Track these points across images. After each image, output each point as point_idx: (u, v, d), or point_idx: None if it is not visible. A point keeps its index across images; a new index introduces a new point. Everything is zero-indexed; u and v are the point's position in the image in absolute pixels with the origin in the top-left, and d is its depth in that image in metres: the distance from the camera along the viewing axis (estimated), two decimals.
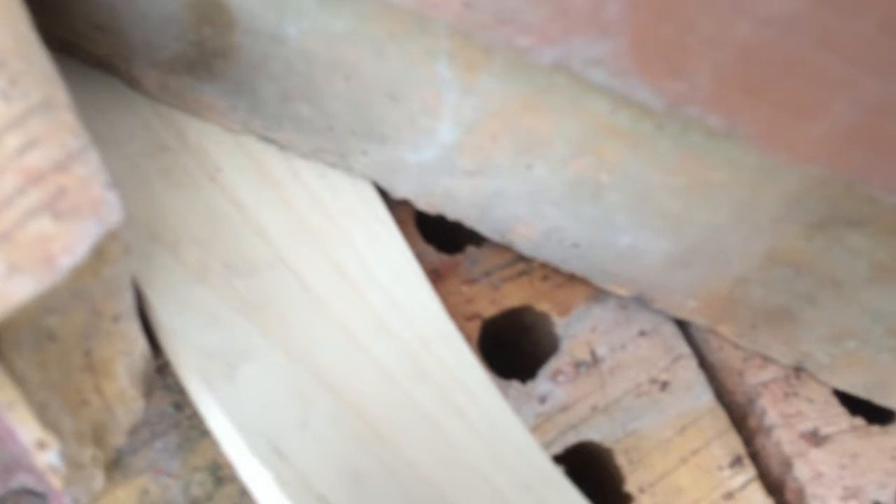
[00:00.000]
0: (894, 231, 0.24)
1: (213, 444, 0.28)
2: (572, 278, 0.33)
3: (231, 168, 0.31)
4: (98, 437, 0.26)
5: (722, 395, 0.34)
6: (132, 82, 0.31)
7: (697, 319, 0.33)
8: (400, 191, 0.31)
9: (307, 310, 0.29)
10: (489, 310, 0.33)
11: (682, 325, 0.34)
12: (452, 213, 0.31)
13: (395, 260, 0.31)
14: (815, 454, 0.32)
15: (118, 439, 0.27)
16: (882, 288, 0.26)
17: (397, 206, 0.33)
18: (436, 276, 0.33)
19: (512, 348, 0.34)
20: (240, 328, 0.28)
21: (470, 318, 0.33)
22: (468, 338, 0.32)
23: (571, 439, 0.31)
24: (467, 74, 0.25)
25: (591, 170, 0.26)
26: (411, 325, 0.30)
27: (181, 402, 0.29)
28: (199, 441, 0.28)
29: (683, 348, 0.33)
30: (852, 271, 0.26)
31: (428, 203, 0.31)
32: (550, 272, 0.34)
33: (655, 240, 0.29)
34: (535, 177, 0.28)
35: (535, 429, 0.31)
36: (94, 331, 0.24)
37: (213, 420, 0.26)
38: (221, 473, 0.28)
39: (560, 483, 0.28)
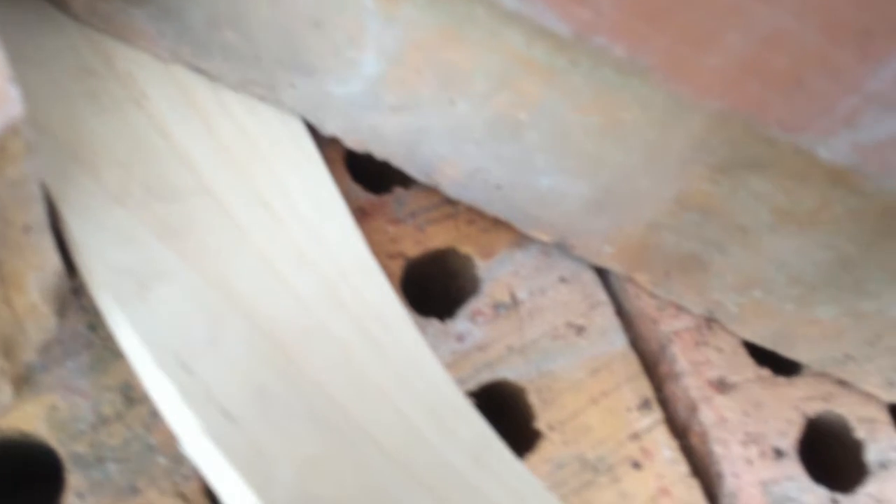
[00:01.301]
0: (793, 175, 0.25)
1: (126, 366, 0.28)
2: (497, 223, 0.34)
3: (158, 96, 0.31)
4: (7, 349, 0.26)
5: (636, 342, 0.35)
6: (61, 4, 0.31)
7: (615, 267, 0.33)
8: (328, 127, 0.32)
9: (227, 238, 0.29)
10: (413, 250, 0.33)
11: (602, 274, 0.35)
12: (380, 151, 0.32)
13: (320, 195, 0.32)
14: (721, 400, 0.33)
15: (28, 355, 0.27)
16: (783, 235, 0.27)
17: (327, 145, 0.33)
18: (362, 215, 0.33)
19: (434, 289, 0.35)
20: (156, 250, 0.28)
21: (393, 256, 0.33)
22: (391, 276, 0.32)
23: (486, 377, 0.32)
24: (389, 3, 0.25)
25: (511, 107, 0.27)
26: (332, 258, 0.30)
27: (95, 323, 0.29)
28: (112, 362, 0.29)
29: (601, 295, 0.34)
30: (756, 217, 0.27)
31: (356, 140, 0.32)
32: (476, 216, 0.34)
33: (573, 182, 0.29)
34: (457, 113, 0.28)
35: (450, 365, 0.32)
36: (3, 240, 0.24)
37: (123, 337, 0.26)
38: (133, 394, 0.28)
39: (466, 411, 0.28)
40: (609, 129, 0.26)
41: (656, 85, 0.23)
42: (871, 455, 0.34)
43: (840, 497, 0.33)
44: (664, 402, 0.34)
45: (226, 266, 0.28)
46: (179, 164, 0.30)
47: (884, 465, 0.34)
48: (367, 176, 0.34)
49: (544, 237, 0.33)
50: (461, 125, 0.28)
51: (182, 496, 0.27)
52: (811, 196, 0.25)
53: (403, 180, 0.34)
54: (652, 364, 0.35)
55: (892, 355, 0.31)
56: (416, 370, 0.29)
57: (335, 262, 0.30)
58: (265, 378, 0.26)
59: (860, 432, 0.34)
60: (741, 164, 0.25)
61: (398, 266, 0.33)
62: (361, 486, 0.23)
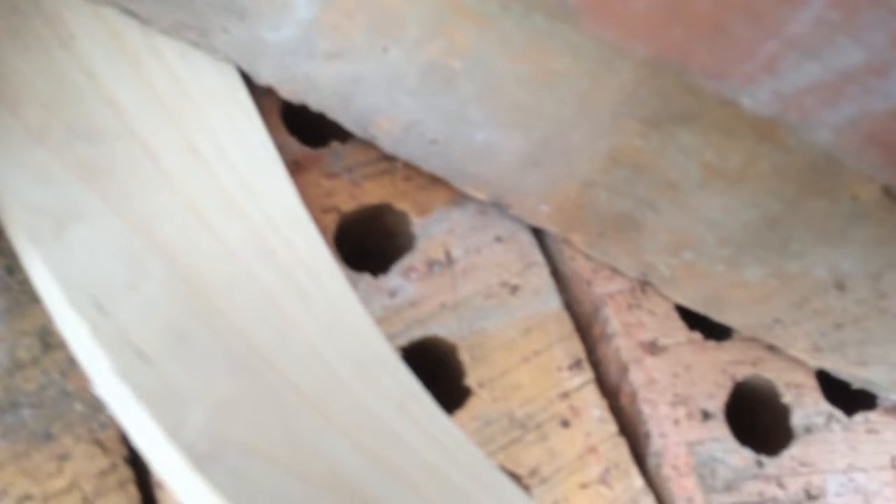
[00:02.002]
0: (720, 129, 0.25)
1: (44, 311, 0.27)
2: (434, 181, 0.34)
3: (86, 37, 0.30)
4: None
5: (571, 304, 0.35)
6: None
7: (551, 227, 0.33)
8: (263, 76, 0.31)
9: (153, 183, 0.29)
10: (348, 204, 0.33)
11: (538, 235, 0.35)
12: (315, 102, 0.31)
13: (252, 145, 0.31)
14: (651, 362, 0.33)
15: None
16: (712, 192, 0.28)
17: (263, 97, 0.33)
18: (296, 168, 0.33)
19: (368, 244, 0.34)
20: (75, 191, 0.27)
21: (327, 210, 0.33)
22: (324, 230, 0.32)
23: (417, 333, 0.32)
24: None
25: (444, 54, 0.26)
26: (262, 209, 0.30)
27: (13, 267, 0.28)
28: (30, 306, 0.28)
29: (537, 256, 0.34)
30: (685, 174, 0.27)
31: (290, 90, 0.31)
32: (413, 173, 0.34)
33: (507, 136, 0.29)
34: (391, 61, 0.28)
35: (382, 321, 0.31)
36: None
37: (38, 277, 0.25)
38: (50, 340, 0.28)
39: (392, 363, 0.28)
40: (541, 79, 0.26)
41: (586, 31, 0.23)
42: (797, 419, 0.34)
43: (765, 459, 0.33)
44: (596, 364, 0.34)
45: (149, 211, 0.28)
46: (105, 106, 0.29)
47: (809, 430, 0.34)
48: (303, 129, 0.34)
49: (481, 195, 0.33)
50: (395, 74, 0.28)
51: (98, 443, 0.27)
52: (738, 152, 0.25)
53: (341, 135, 0.33)
54: (585, 326, 0.35)
55: (818, 319, 0.31)
56: (343, 322, 0.28)
57: (265, 213, 0.30)
58: (185, 323, 0.25)
59: (787, 397, 0.35)
60: (670, 118, 0.25)
61: (332, 220, 0.32)
62: (278, 431, 0.23)
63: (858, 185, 0.25)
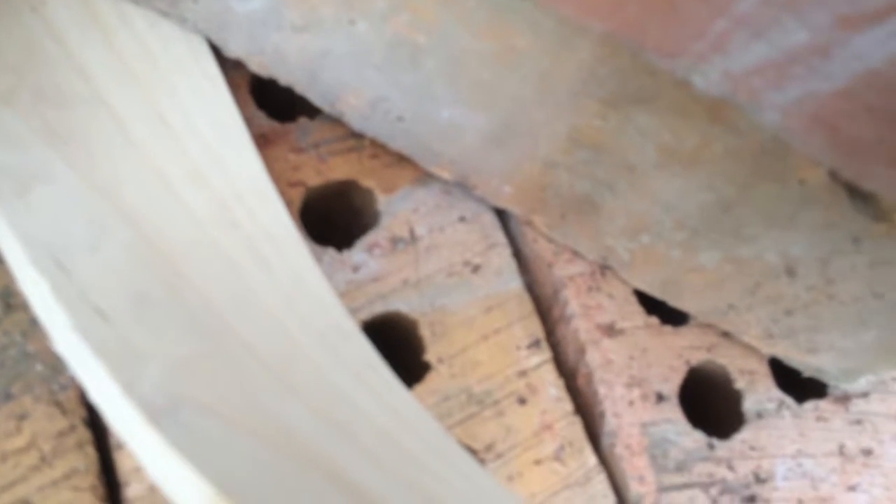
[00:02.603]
0: (675, 110, 0.26)
1: (6, 272, 0.27)
2: (400, 160, 0.34)
3: (57, 4, 0.30)
4: None
5: (532, 286, 0.36)
6: None
7: (514, 208, 0.34)
8: (232, 47, 0.31)
9: (119, 149, 0.29)
10: (314, 179, 0.33)
11: (502, 217, 0.36)
12: (283, 75, 0.32)
13: (220, 116, 0.31)
14: (608, 344, 0.34)
15: None
16: (668, 175, 0.28)
17: (233, 70, 0.33)
18: (264, 142, 0.33)
19: (333, 220, 0.35)
20: (41, 153, 0.27)
21: (294, 184, 0.33)
22: (290, 203, 0.32)
23: (379, 308, 0.32)
24: None
25: (409, 29, 0.27)
26: (228, 179, 0.30)
27: None
28: None
29: (500, 237, 0.35)
30: (643, 155, 0.28)
31: (259, 63, 0.31)
32: (380, 151, 0.34)
33: (471, 114, 0.30)
34: (358, 34, 0.28)
35: (344, 294, 0.32)
36: None
37: (0, 236, 0.25)
38: (12, 301, 0.28)
39: (352, 334, 0.28)
40: (503, 57, 0.26)
41: (544, 7, 0.23)
42: (749, 405, 0.35)
43: (716, 442, 0.34)
44: (555, 346, 0.35)
45: (114, 175, 0.28)
46: (73, 72, 0.29)
47: (760, 415, 0.35)
48: (272, 104, 0.34)
49: (446, 174, 0.33)
50: (362, 48, 0.28)
51: (57, 404, 0.27)
52: (692, 134, 0.26)
53: (309, 111, 0.34)
54: (546, 308, 0.35)
55: (770, 305, 0.32)
56: (305, 292, 0.29)
57: (231, 184, 0.30)
58: (146, 285, 0.25)
59: (740, 383, 0.36)
60: (628, 98, 0.26)
61: (298, 194, 0.33)
62: (234, 391, 0.23)
63: (806, 169, 0.25)
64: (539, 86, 0.27)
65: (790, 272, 0.30)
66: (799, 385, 0.37)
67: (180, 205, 0.28)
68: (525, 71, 0.27)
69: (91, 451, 0.27)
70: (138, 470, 0.27)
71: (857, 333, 0.32)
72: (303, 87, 0.32)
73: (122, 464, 0.27)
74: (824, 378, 0.36)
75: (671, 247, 0.32)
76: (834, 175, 0.25)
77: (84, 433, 0.27)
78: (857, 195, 0.26)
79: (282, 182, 0.32)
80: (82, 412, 0.27)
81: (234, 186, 0.30)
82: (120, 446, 0.27)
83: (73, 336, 0.23)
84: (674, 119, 0.26)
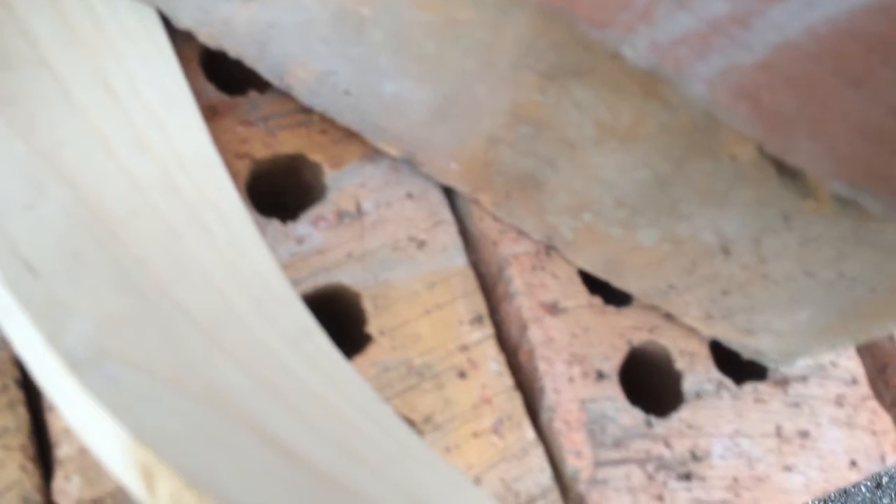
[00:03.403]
0: (610, 85, 0.26)
1: None
2: (349, 136, 0.34)
3: None
4: None
5: (478, 265, 0.36)
6: None
7: (460, 186, 0.34)
8: (181, 18, 0.31)
9: (61, 112, 0.29)
10: (262, 152, 0.33)
11: (449, 195, 0.36)
12: (232, 48, 0.32)
13: (167, 85, 0.31)
14: (550, 321, 0.35)
15: None
16: (606, 151, 0.29)
17: (184, 43, 0.33)
18: (212, 113, 0.33)
19: (280, 193, 0.35)
20: None
21: (241, 156, 0.33)
22: (236, 175, 0.32)
23: (322, 280, 0.32)
24: None
25: (353, 0, 0.27)
26: (171, 147, 0.30)
27: None
28: None
29: (446, 214, 0.35)
30: (581, 131, 0.28)
31: (208, 34, 0.32)
32: (329, 127, 0.35)
33: (416, 88, 0.30)
34: (304, 5, 0.28)
35: (287, 266, 0.32)
36: None
37: None
38: None
39: (292, 303, 0.29)
40: (446, 29, 0.27)
41: None
42: (688, 385, 0.36)
43: (654, 420, 0.35)
44: (499, 324, 0.36)
45: (55, 138, 0.28)
46: (19, 35, 0.29)
47: (699, 395, 0.36)
48: (223, 78, 0.34)
49: (393, 151, 0.34)
50: (308, 19, 0.29)
51: None
52: (628, 109, 0.27)
53: (260, 85, 0.34)
54: (490, 286, 0.36)
55: (708, 285, 0.33)
56: (245, 260, 0.29)
57: (175, 152, 0.30)
58: (80, 245, 0.25)
59: (680, 363, 0.36)
60: (565, 72, 0.26)
61: (244, 166, 0.33)
62: (163, 349, 0.23)
63: (736, 145, 0.26)
64: (480, 59, 0.27)
65: (725, 251, 0.31)
66: (740, 369, 0.37)
67: (121, 170, 0.28)
68: (467, 43, 0.27)
69: (22, 412, 0.27)
70: (69, 431, 0.27)
71: (792, 313, 0.32)
72: (252, 60, 0.32)
73: (54, 425, 0.27)
74: (763, 360, 0.37)
75: (612, 225, 0.32)
76: (763, 151, 0.26)
77: (16, 393, 0.27)
78: (786, 172, 0.26)
79: (229, 154, 0.33)
80: (14, 373, 0.27)
81: (178, 154, 0.30)
82: (51, 408, 0.27)
83: (1, 289, 0.23)
84: (609, 94, 0.26)
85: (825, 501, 1.49)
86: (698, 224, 0.30)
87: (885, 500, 1.50)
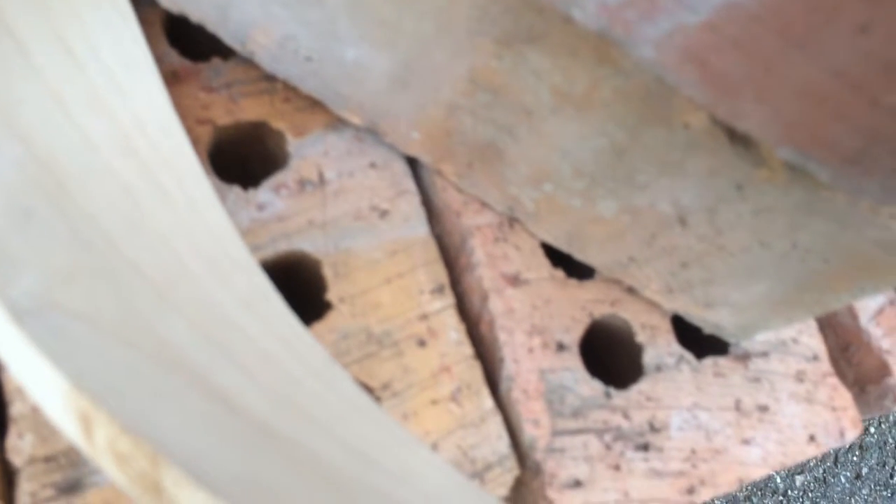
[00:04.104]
0: (565, 50, 0.26)
1: None
2: (313, 105, 0.35)
3: None
4: None
5: (442, 237, 0.36)
6: None
7: (423, 156, 0.34)
8: None
9: (18, 72, 0.29)
10: (223, 119, 0.33)
11: (413, 167, 0.36)
12: (194, 12, 0.32)
13: (127, 49, 0.31)
14: (511, 292, 0.35)
15: None
16: (563, 119, 0.29)
17: (146, 7, 0.33)
18: (174, 79, 0.33)
19: (242, 160, 0.35)
20: None
21: (202, 122, 0.33)
22: (197, 141, 0.32)
23: (283, 247, 0.32)
24: None
25: None
26: (130, 109, 0.30)
27: None
28: None
29: (409, 185, 0.35)
30: (538, 98, 0.29)
31: None
32: (293, 95, 0.35)
33: (376, 54, 0.30)
34: None
35: (247, 232, 0.32)
36: None
37: None
38: None
39: (248, 266, 0.29)
40: None
41: None
42: (649, 358, 0.36)
43: (613, 391, 0.35)
44: (461, 295, 0.36)
45: (11, 97, 0.28)
46: None
47: (659, 368, 0.36)
48: (186, 44, 0.34)
49: (356, 119, 0.34)
50: None
51: None
52: (582, 75, 0.27)
53: (223, 52, 0.34)
54: (453, 257, 0.36)
55: (667, 257, 0.33)
56: (201, 223, 0.29)
57: (133, 114, 0.30)
58: (32, 200, 0.25)
59: (641, 337, 0.36)
60: (520, 37, 0.26)
61: (206, 132, 0.33)
62: (112, 303, 0.23)
63: (689, 113, 0.26)
64: (437, 24, 0.27)
65: (682, 222, 0.31)
66: (701, 344, 0.38)
67: (77, 129, 0.28)
68: (423, 8, 0.27)
69: None
70: (22, 390, 0.27)
71: (749, 286, 0.33)
72: (213, 25, 0.32)
73: (8, 384, 0.27)
74: (723, 335, 0.37)
75: (572, 196, 0.32)
76: (714, 119, 0.26)
77: None
78: (737, 140, 0.27)
79: (190, 119, 0.32)
80: None
81: (137, 116, 0.30)
82: (4, 367, 0.27)
83: None
84: (564, 60, 0.27)
85: (805, 492, 1.50)
86: (655, 194, 0.30)
87: (864, 491, 1.51)
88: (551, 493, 0.32)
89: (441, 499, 0.22)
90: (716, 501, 1.40)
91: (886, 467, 1.52)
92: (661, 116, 0.27)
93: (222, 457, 0.18)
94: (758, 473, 0.36)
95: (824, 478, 1.47)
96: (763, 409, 0.37)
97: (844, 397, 0.39)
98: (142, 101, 0.30)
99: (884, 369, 0.41)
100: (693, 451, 0.35)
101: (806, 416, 0.37)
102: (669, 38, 0.23)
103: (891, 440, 1.54)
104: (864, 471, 1.49)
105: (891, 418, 1.55)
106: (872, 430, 1.53)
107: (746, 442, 0.36)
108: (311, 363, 0.27)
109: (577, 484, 0.33)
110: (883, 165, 0.24)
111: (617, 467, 0.34)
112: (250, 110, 0.34)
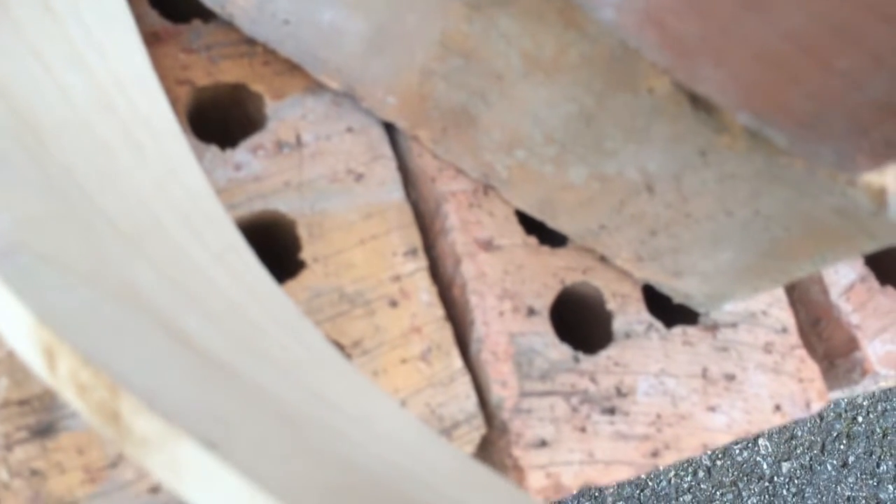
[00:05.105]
0: (533, 14, 0.27)
1: None
2: (292, 69, 0.35)
3: None
4: None
5: (418, 202, 0.37)
6: None
7: (399, 121, 0.35)
8: None
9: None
10: (203, 80, 0.34)
11: (391, 133, 0.37)
12: None
13: (107, 7, 0.32)
14: (484, 257, 0.35)
15: None
16: (533, 84, 0.29)
17: None
18: (155, 39, 0.34)
19: (220, 121, 0.35)
20: None
21: (181, 83, 0.34)
22: (176, 101, 0.33)
23: (258, 206, 0.33)
24: None
25: None
26: (108, 67, 0.31)
27: None
28: None
29: (386, 150, 0.36)
30: (508, 62, 0.29)
31: None
32: (272, 59, 0.35)
33: (351, 17, 0.30)
34: None
35: (223, 191, 0.33)
36: None
37: None
38: None
39: (221, 222, 0.29)
40: None
41: None
42: (618, 325, 0.37)
43: (582, 356, 0.36)
44: (435, 260, 0.36)
45: None
46: None
47: (628, 335, 0.37)
48: (167, 5, 0.35)
49: (334, 84, 0.34)
50: None
51: None
52: (550, 40, 0.27)
53: (204, 14, 0.34)
54: (428, 223, 0.37)
55: (636, 224, 0.34)
56: (176, 179, 0.29)
57: (111, 71, 0.31)
58: (7, 151, 0.26)
59: (611, 305, 0.37)
60: (489, 0, 0.27)
61: (185, 92, 0.33)
62: (81, 247, 0.24)
63: (653, 78, 0.27)
64: None
65: (649, 189, 0.31)
66: (672, 315, 0.38)
67: (55, 83, 0.29)
68: None
69: None
70: None
71: (715, 254, 0.33)
72: None
73: None
74: (692, 305, 0.38)
75: (544, 163, 0.33)
76: (678, 84, 0.27)
77: None
78: (700, 106, 0.27)
79: (169, 80, 0.33)
80: None
81: (115, 74, 0.30)
82: None
83: None
84: (532, 24, 0.27)
85: (792, 479, 1.51)
86: (623, 161, 0.31)
87: (850, 479, 1.52)
88: (517, 452, 0.33)
89: (402, 444, 0.23)
90: (702, 486, 1.41)
91: (873, 456, 1.53)
92: (626, 82, 0.28)
93: (179, 389, 0.19)
94: (722, 440, 0.37)
95: (811, 465, 1.49)
96: (730, 377, 0.38)
97: (812, 369, 0.39)
98: (120, 60, 0.31)
99: (852, 344, 0.42)
100: (659, 416, 0.36)
101: (772, 387, 0.38)
102: (629, 1, 0.23)
103: (878, 429, 1.55)
104: (851, 459, 1.50)
105: (879, 408, 1.57)
106: (860, 419, 1.55)
107: (712, 409, 0.37)
108: (280, 316, 0.27)
109: (543, 444, 0.33)
110: (836, 130, 0.24)
111: (583, 429, 0.34)
112: (230, 72, 0.34)
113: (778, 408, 0.38)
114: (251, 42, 0.35)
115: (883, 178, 0.27)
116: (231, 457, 0.17)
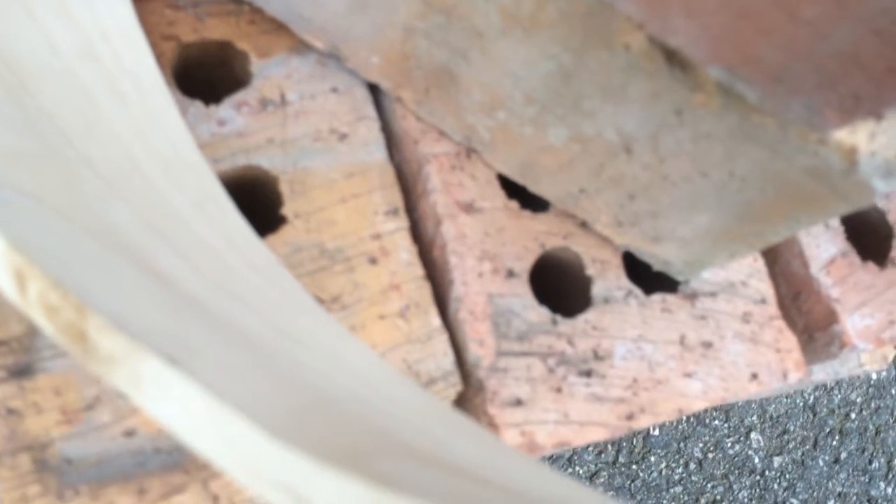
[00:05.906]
0: None
1: None
2: (279, 28, 0.35)
3: None
4: None
5: (401, 165, 0.37)
6: None
7: (383, 81, 0.35)
8: None
9: None
10: (189, 36, 0.34)
11: (375, 95, 0.37)
12: None
13: None
14: (464, 219, 0.36)
15: None
16: (511, 42, 0.30)
17: None
18: None
19: (205, 77, 0.36)
20: None
21: (167, 38, 0.34)
22: (161, 56, 0.33)
23: (241, 161, 0.33)
24: None
25: None
26: (95, 21, 0.31)
27: None
28: None
29: (370, 111, 0.36)
30: (487, 19, 0.29)
31: None
32: (258, 18, 0.35)
33: None
34: None
35: (206, 145, 0.33)
36: None
37: None
38: None
39: (202, 172, 0.30)
40: None
41: None
42: (597, 290, 0.37)
43: (560, 319, 0.36)
44: (416, 221, 0.37)
45: None
46: None
47: (606, 300, 0.37)
48: None
49: (318, 44, 0.35)
50: None
51: None
52: None
53: None
54: (411, 185, 0.37)
55: (615, 187, 0.34)
56: (159, 129, 0.30)
57: (98, 25, 0.31)
58: None
59: (591, 270, 0.37)
60: None
61: (170, 48, 0.34)
62: (61, 186, 0.24)
63: (628, 34, 0.27)
64: None
65: (627, 150, 0.32)
66: (652, 284, 0.39)
67: (40, 32, 0.29)
68: None
69: None
70: None
71: (692, 218, 0.34)
72: None
73: None
74: (671, 272, 0.38)
75: (524, 124, 0.33)
76: (652, 40, 0.27)
77: None
78: (675, 63, 0.27)
79: (155, 35, 0.33)
80: None
81: (101, 26, 0.31)
82: None
83: None
84: None
85: (783, 473, 1.51)
86: (602, 122, 0.31)
87: (842, 475, 1.53)
88: (492, 410, 0.33)
89: (372, 382, 0.24)
90: (693, 478, 1.42)
91: (866, 453, 1.54)
92: (602, 38, 0.28)
93: (146, 314, 0.19)
94: (697, 405, 0.37)
95: (802, 460, 1.49)
96: (707, 345, 0.38)
97: (789, 340, 0.40)
98: (107, 14, 0.31)
99: (831, 317, 0.42)
100: (635, 380, 0.36)
101: (750, 356, 0.39)
102: None
103: (871, 427, 1.56)
104: (843, 455, 1.51)
105: (872, 405, 1.57)
106: (853, 416, 1.55)
107: (688, 375, 0.37)
108: (257, 263, 0.28)
109: (518, 403, 0.34)
110: (806, 83, 0.25)
111: (559, 390, 0.35)
112: (215, 30, 0.35)
113: (755, 376, 0.39)
114: (238, 1, 0.35)
115: (854, 137, 0.27)
116: (194, 374, 0.17)
